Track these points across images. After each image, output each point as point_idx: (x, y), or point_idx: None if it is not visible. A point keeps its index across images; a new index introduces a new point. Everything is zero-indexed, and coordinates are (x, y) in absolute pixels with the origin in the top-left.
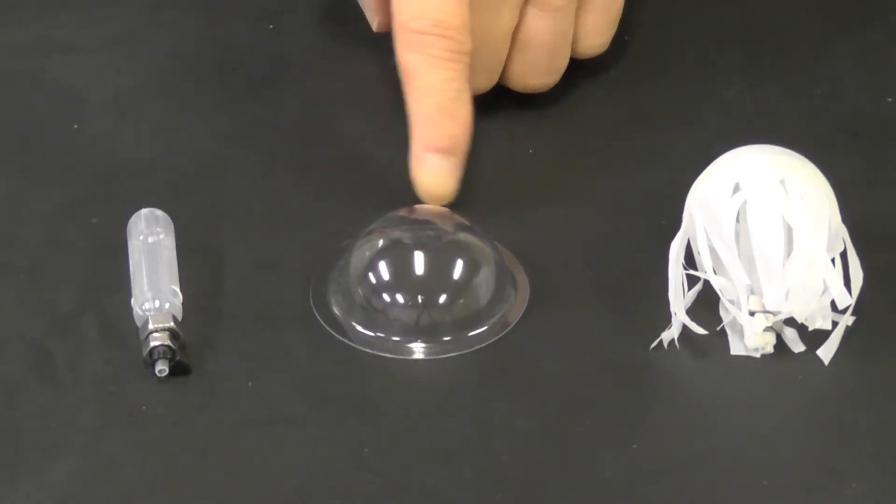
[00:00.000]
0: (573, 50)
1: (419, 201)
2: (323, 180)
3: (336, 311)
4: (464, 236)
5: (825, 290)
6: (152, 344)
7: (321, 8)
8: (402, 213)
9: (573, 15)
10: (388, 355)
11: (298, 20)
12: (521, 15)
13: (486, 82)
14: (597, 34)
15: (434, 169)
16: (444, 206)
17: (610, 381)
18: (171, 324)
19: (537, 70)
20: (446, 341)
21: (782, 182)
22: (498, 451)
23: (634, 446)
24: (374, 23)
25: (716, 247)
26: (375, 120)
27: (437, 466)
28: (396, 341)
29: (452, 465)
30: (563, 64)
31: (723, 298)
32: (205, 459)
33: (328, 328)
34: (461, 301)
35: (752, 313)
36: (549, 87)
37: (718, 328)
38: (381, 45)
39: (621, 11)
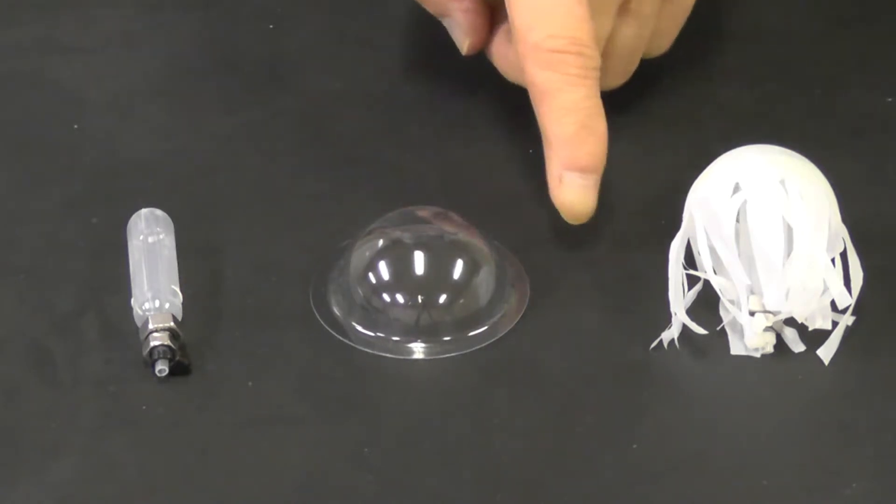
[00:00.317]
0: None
1: (419, 201)
2: (323, 180)
3: (336, 311)
4: (464, 236)
5: (825, 290)
6: (152, 344)
7: (321, 8)
8: (402, 212)
9: (656, 20)
10: (388, 355)
11: (298, 20)
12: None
13: None
14: (666, 37)
15: (577, 188)
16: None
17: (610, 381)
18: (171, 324)
19: (614, 73)
20: (446, 341)
21: (782, 182)
22: (498, 451)
23: (634, 446)
24: (465, 45)
25: (716, 247)
26: (375, 119)
27: (437, 466)
28: (396, 341)
29: (452, 465)
30: (635, 67)
31: (723, 298)
32: (205, 459)
33: (328, 328)
34: (461, 301)
35: (752, 313)
36: (615, 88)
37: (718, 328)
38: (381, 44)
39: (689, 13)
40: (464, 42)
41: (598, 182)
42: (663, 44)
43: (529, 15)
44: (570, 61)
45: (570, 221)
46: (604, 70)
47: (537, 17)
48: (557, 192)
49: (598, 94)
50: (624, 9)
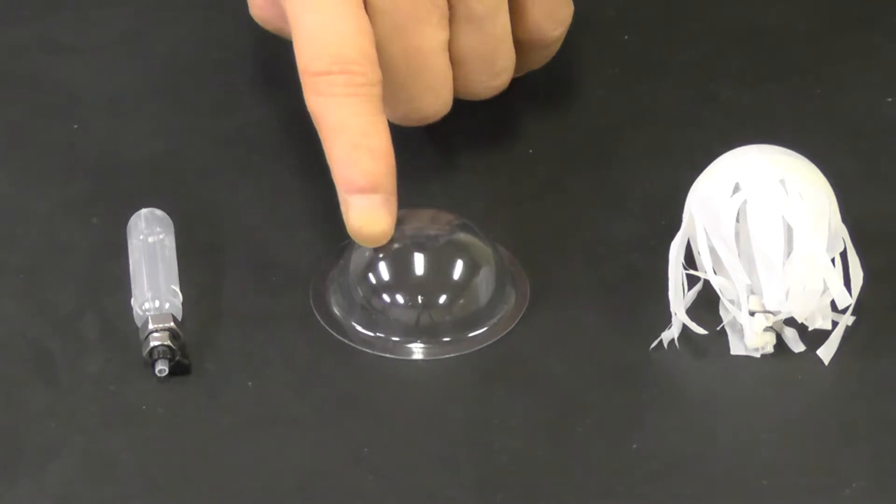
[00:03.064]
0: (537, 36)
1: (421, 201)
2: (323, 180)
3: (336, 311)
4: (464, 236)
5: (825, 290)
6: (152, 344)
7: None
8: (402, 212)
9: (503, 15)
10: (388, 355)
11: None
12: (451, 30)
13: (436, 101)
14: (552, 16)
15: (362, 210)
16: (441, 207)
17: (610, 381)
18: (171, 324)
19: (480, 79)
20: (446, 342)
21: (782, 182)
22: (498, 451)
23: (634, 446)
24: None
25: (716, 247)
26: None
27: (437, 466)
28: (396, 341)
29: (452, 465)
30: (508, 64)
31: (723, 298)
32: (205, 459)
33: (328, 328)
34: (461, 301)
35: (752, 313)
36: (502, 90)
37: (718, 328)
38: None
39: None
40: None
41: (389, 201)
42: (559, 19)
43: (300, 40)
44: (335, 81)
45: (364, 244)
46: (469, 77)
47: (306, 41)
48: (346, 217)
49: (374, 111)
50: (455, 17)
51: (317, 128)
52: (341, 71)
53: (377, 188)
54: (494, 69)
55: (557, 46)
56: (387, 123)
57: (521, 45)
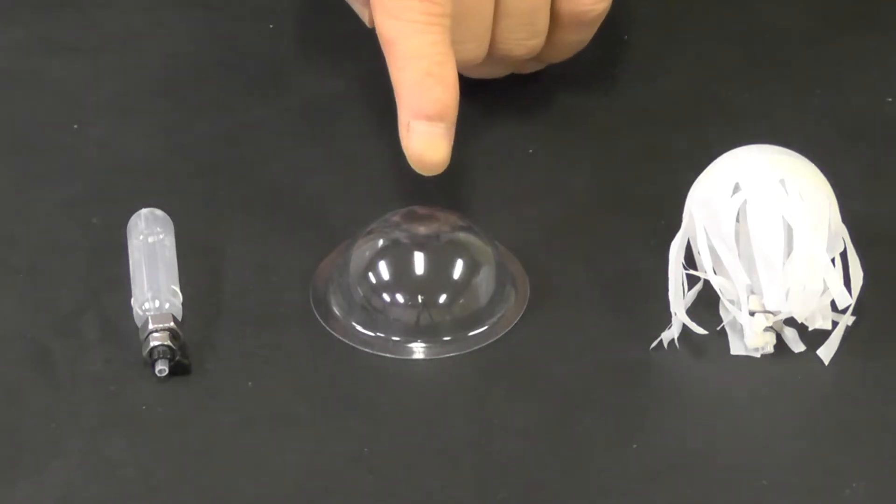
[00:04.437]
0: (580, 8)
1: (421, 201)
2: (323, 180)
3: (336, 311)
4: (464, 236)
5: (825, 290)
6: (152, 344)
7: (321, 8)
8: (402, 212)
9: None
10: (388, 355)
11: (298, 20)
12: None
13: (476, 50)
14: None
15: (425, 137)
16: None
17: (610, 381)
18: (171, 324)
19: (518, 36)
20: (446, 341)
21: (782, 182)
22: (498, 451)
23: (634, 446)
24: (366, 17)
25: (716, 247)
26: (375, 120)
27: (437, 466)
28: (396, 341)
29: (452, 465)
30: (543, 27)
31: (723, 298)
32: (205, 459)
33: (328, 328)
34: (461, 301)
35: (752, 313)
36: (535, 52)
37: (718, 328)
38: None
39: None
40: (364, 14)
41: (450, 132)
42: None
43: None
44: (415, 7)
45: (421, 172)
46: (506, 31)
47: None
48: (406, 142)
49: (447, 42)
50: None
51: (386, 51)
52: None
53: (444, 117)
54: (533, 28)
55: (594, 29)
56: (454, 59)
57: (562, 18)
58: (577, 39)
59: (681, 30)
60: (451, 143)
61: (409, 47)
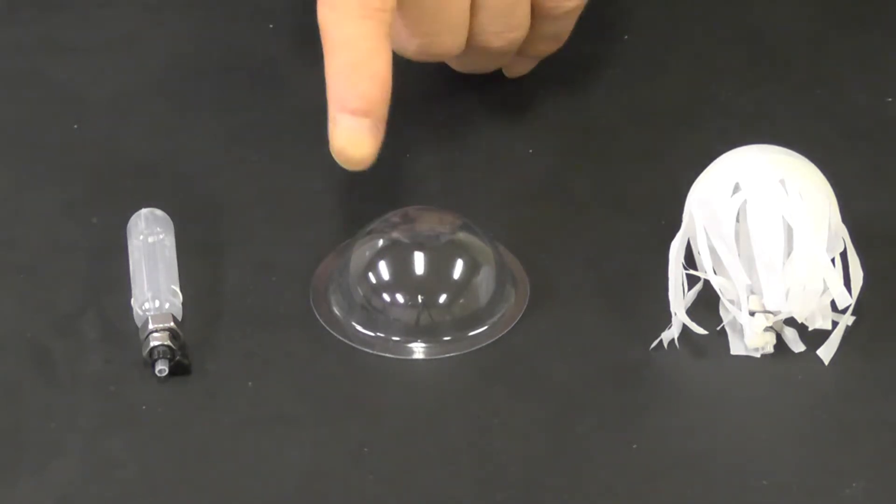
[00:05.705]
0: (545, 10)
1: (421, 201)
2: (323, 180)
3: (336, 311)
4: (464, 236)
5: (825, 290)
6: (152, 344)
7: None
8: (402, 212)
9: None
10: (388, 355)
11: (298, 20)
12: None
13: (452, 42)
14: None
15: (348, 132)
16: (441, 207)
17: (610, 381)
18: (171, 324)
19: (496, 29)
20: (446, 341)
21: (782, 182)
22: (498, 451)
23: (634, 446)
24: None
25: (716, 247)
26: None
27: (437, 466)
28: (396, 341)
29: (452, 465)
30: (524, 21)
31: (723, 298)
32: (205, 459)
33: (328, 328)
34: (461, 301)
35: (752, 313)
36: (514, 46)
37: (718, 328)
38: None
39: None
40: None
41: (376, 128)
42: None
43: None
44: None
45: (344, 166)
46: (484, 23)
47: None
48: (330, 135)
49: (381, 37)
50: None
51: (322, 41)
52: None
53: (369, 113)
54: (512, 21)
55: (570, 23)
56: (391, 51)
57: (535, 11)
58: (552, 31)
59: (681, 30)
60: (379, 139)
61: (338, 36)
